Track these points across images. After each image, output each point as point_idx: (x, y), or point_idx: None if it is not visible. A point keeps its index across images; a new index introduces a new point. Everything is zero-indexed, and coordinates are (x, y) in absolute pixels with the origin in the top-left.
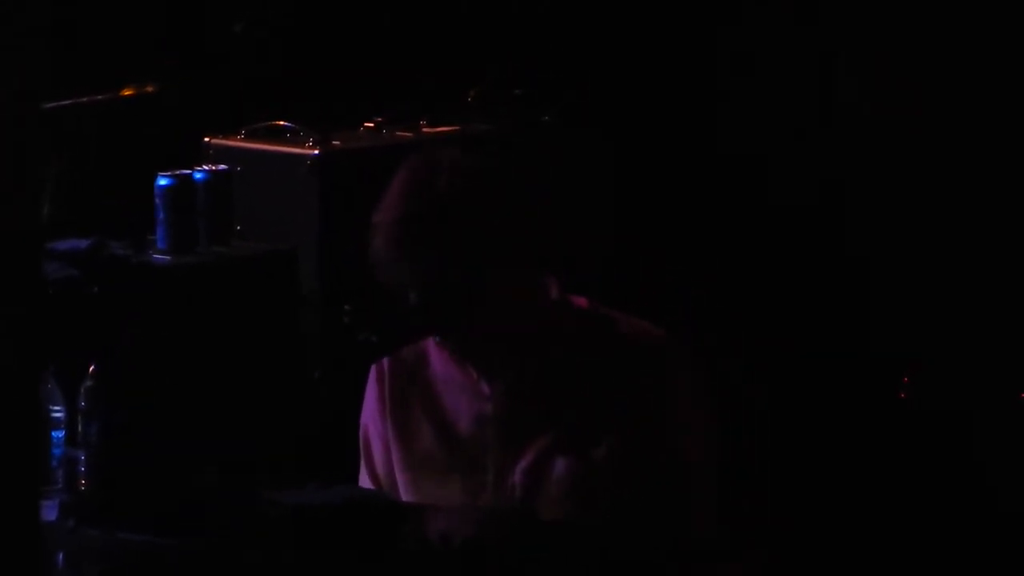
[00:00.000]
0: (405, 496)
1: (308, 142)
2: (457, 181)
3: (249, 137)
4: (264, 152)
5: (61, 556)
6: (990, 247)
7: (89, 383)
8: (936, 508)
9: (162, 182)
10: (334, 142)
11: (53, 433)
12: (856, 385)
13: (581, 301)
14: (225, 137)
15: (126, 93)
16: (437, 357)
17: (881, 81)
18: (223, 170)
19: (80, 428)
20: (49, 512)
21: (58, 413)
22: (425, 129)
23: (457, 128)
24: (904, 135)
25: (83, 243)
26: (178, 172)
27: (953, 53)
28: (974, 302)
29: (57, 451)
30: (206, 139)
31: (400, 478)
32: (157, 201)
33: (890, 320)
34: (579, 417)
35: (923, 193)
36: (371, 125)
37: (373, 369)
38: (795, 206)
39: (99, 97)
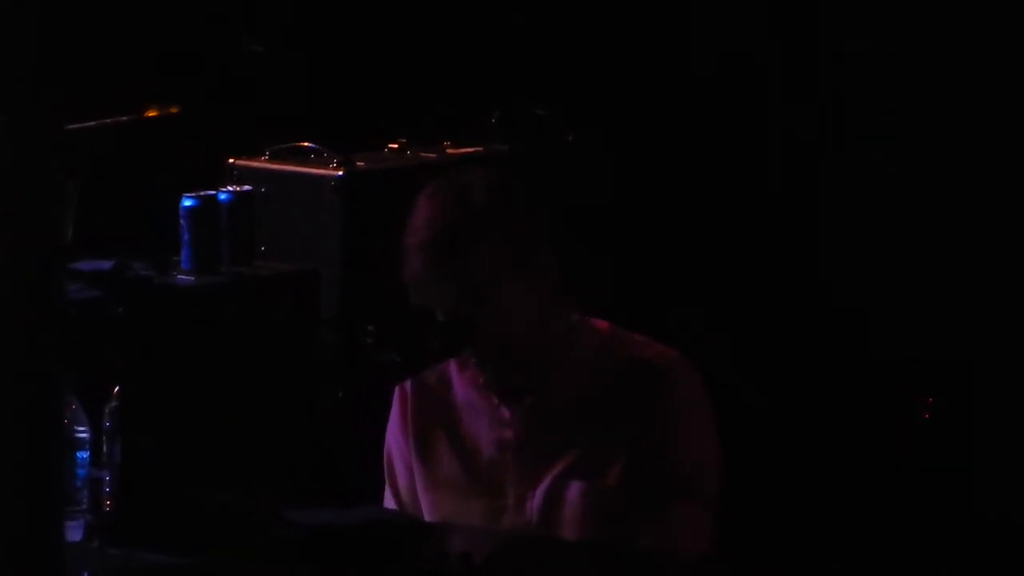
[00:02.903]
0: (428, 517)
1: (332, 163)
2: (488, 200)
3: (273, 158)
4: (288, 173)
5: None
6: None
7: (113, 404)
8: (955, 522)
9: (186, 203)
10: (358, 163)
11: (78, 454)
12: (877, 405)
13: (601, 324)
14: (249, 158)
15: (150, 114)
16: (459, 381)
17: (891, 87)
18: (247, 191)
19: (105, 449)
20: (74, 532)
21: (83, 434)
22: (449, 150)
23: (481, 149)
24: (921, 139)
25: (106, 264)
26: (202, 193)
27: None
28: (997, 315)
29: (82, 472)
30: (230, 160)
31: (422, 499)
32: (181, 222)
33: (912, 337)
34: (595, 440)
35: (941, 201)
36: (395, 146)
37: (396, 391)
38: (814, 216)
39: (123, 118)
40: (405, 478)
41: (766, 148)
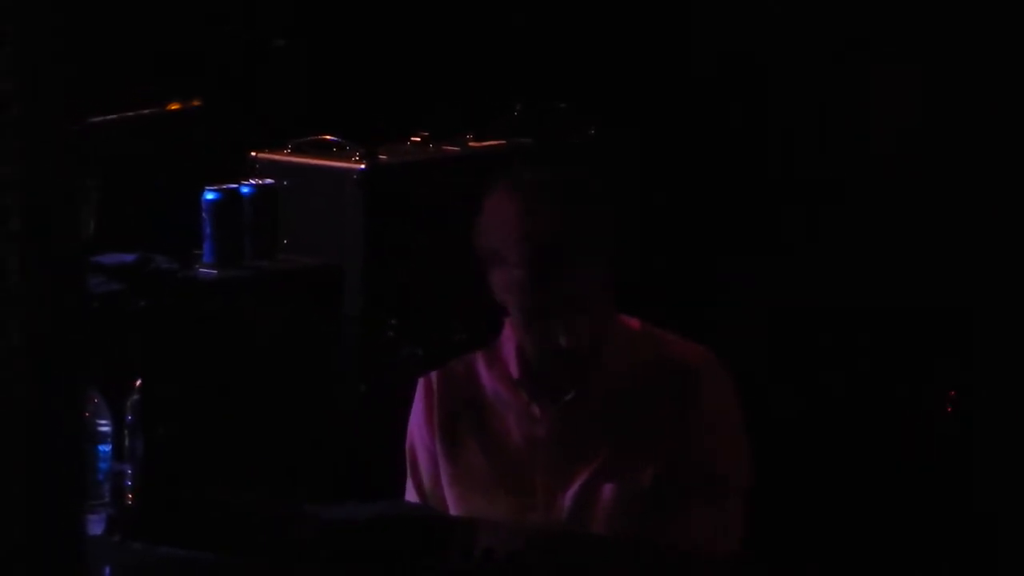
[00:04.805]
0: (454, 511)
1: (355, 156)
2: (602, 191)
3: (296, 151)
4: (311, 166)
5: (108, 570)
6: None
7: (135, 397)
8: (978, 522)
9: (209, 196)
10: (381, 156)
11: (100, 447)
12: (901, 400)
13: (632, 321)
14: (271, 151)
15: (172, 107)
16: (487, 376)
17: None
18: (269, 184)
19: (127, 442)
20: (96, 526)
21: (105, 427)
22: (471, 143)
23: (504, 142)
24: (938, 133)
25: (129, 257)
26: (225, 186)
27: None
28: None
29: (104, 465)
30: (252, 153)
31: (448, 493)
32: (204, 215)
33: (936, 332)
34: (629, 440)
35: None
36: (417, 139)
37: (421, 383)
38: (835, 213)
39: (145, 111)
40: (429, 470)
41: (781, 144)
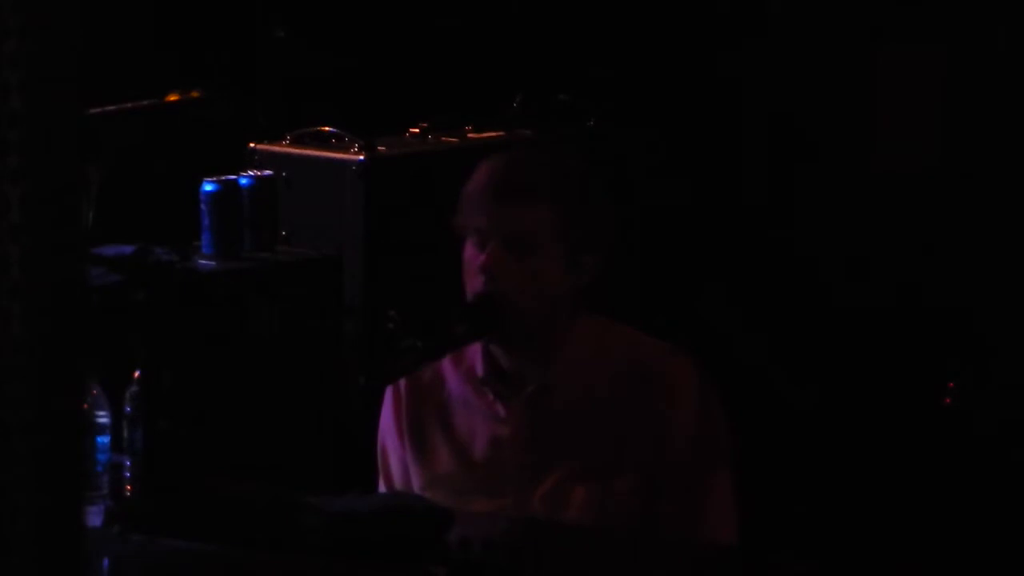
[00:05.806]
0: None
1: (354, 148)
2: (570, 171)
3: (295, 143)
4: (310, 158)
5: (106, 562)
6: None
7: (134, 389)
8: (979, 515)
9: (208, 188)
10: (379, 148)
11: (98, 439)
12: (899, 390)
13: (599, 318)
14: (271, 143)
15: (172, 99)
16: (453, 377)
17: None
18: (269, 176)
19: (125, 434)
20: (95, 518)
21: (104, 418)
22: (471, 135)
23: (503, 133)
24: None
25: (128, 249)
26: (224, 178)
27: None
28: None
29: (103, 456)
30: (252, 145)
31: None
32: (203, 207)
33: (937, 321)
34: (596, 438)
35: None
36: (416, 131)
37: (389, 390)
38: (842, 208)
39: (145, 103)
40: (400, 475)
41: (784, 141)
